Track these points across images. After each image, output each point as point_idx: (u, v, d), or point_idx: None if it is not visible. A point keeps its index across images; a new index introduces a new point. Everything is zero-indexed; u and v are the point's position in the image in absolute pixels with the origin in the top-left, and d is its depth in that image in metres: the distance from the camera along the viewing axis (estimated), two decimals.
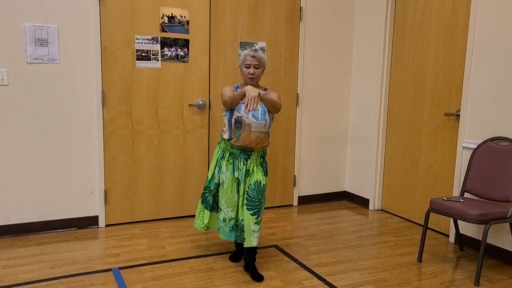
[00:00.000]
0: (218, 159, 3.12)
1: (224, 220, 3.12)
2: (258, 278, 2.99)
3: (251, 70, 2.99)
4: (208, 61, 4.16)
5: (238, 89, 3.08)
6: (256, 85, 3.08)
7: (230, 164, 3.07)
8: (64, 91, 3.70)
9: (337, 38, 4.72)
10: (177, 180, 4.19)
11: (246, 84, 3.06)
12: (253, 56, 2.98)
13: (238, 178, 3.06)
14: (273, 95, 3.04)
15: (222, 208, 3.12)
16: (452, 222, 3.73)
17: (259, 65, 3.00)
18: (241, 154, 3.04)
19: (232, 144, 3.05)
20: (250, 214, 3.00)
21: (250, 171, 3.06)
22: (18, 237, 3.67)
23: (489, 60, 3.40)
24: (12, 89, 3.54)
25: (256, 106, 2.72)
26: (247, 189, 3.03)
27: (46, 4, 3.55)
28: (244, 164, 3.05)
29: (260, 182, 3.04)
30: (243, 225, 3.04)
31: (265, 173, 3.12)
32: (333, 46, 4.70)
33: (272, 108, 2.94)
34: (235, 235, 3.10)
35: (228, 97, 2.94)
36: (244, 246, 3.04)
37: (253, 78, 3.01)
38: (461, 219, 3.03)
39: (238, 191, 3.07)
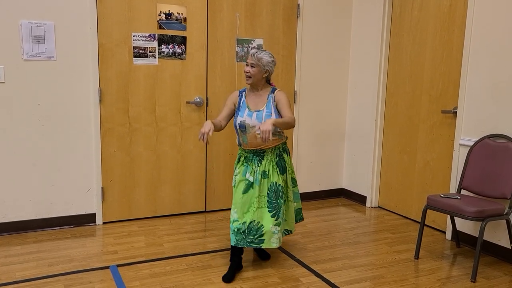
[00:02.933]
0: (235, 164, 3.10)
1: (232, 222, 2.99)
2: (265, 256, 3.26)
3: (247, 68, 2.98)
4: (205, 58, 4.15)
5: (245, 93, 3.08)
6: (255, 84, 3.02)
7: (243, 166, 3.01)
8: (61, 88, 3.69)
9: (334, 35, 4.71)
10: (174, 178, 4.19)
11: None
12: (251, 55, 2.97)
13: (249, 180, 2.96)
14: (283, 101, 2.97)
15: (232, 212, 3.03)
16: (449, 219, 3.74)
17: (255, 64, 2.96)
18: (254, 156, 2.99)
19: (243, 149, 3.04)
20: (270, 216, 2.96)
21: (267, 172, 2.98)
22: (15, 235, 3.67)
23: (486, 57, 3.40)
24: (8, 86, 3.53)
25: (269, 134, 2.68)
26: (268, 191, 2.97)
27: (42, 1, 3.53)
28: (258, 166, 2.98)
29: (276, 183, 2.98)
30: (261, 227, 2.95)
31: (282, 171, 3.03)
32: (330, 44, 4.70)
33: (287, 127, 2.89)
34: (235, 239, 2.96)
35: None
36: (263, 247, 2.96)
37: (248, 77, 2.99)
38: (458, 216, 3.04)
39: (245, 192, 2.96)
